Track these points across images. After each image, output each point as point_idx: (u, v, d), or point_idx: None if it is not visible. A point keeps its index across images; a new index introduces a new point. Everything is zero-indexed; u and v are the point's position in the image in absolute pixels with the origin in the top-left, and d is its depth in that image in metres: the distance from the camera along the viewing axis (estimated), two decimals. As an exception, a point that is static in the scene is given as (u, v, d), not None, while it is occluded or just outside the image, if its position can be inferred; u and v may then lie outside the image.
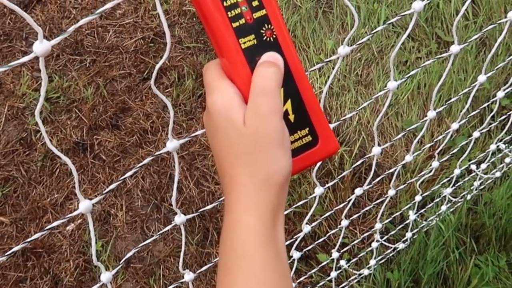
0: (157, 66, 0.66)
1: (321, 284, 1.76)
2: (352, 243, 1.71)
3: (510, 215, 1.84)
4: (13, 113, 2.23)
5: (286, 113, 0.64)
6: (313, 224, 1.27)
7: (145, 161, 0.78)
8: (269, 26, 0.62)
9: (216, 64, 0.62)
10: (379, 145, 1.13)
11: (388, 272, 1.79)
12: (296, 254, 1.32)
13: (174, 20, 2.47)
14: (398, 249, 1.86)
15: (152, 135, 2.18)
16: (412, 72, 1.02)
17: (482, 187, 2.00)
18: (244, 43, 0.61)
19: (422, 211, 1.85)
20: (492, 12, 2.46)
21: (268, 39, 0.62)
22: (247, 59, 0.61)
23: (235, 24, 0.60)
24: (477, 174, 1.91)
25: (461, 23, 2.42)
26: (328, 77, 2.29)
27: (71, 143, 2.15)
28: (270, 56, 0.61)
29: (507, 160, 1.96)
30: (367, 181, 1.21)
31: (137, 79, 2.30)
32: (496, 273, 1.78)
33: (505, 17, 1.10)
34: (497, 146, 1.99)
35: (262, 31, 0.61)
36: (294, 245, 1.28)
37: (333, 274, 1.61)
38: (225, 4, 0.59)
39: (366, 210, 2.03)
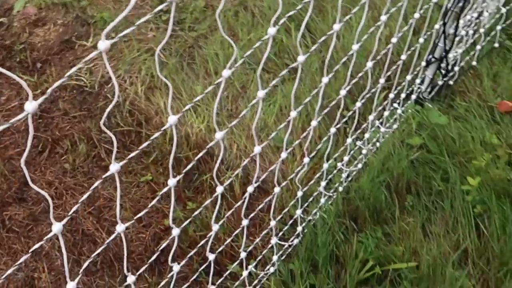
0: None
1: None
2: (255, 243, 1.91)
3: (375, 194, 2.13)
4: None
5: None
6: (221, 248, 1.45)
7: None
8: None
9: None
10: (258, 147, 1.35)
11: (290, 264, 2.00)
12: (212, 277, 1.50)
13: (56, 95, 2.60)
14: (294, 244, 2.08)
15: (58, 200, 2.27)
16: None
17: (349, 178, 2.27)
18: None
19: (305, 206, 2.08)
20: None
21: None
22: None
23: None
24: (342, 168, 2.18)
25: (304, 51, 2.73)
26: (204, 117, 2.50)
27: (-17, 223, 2.20)
28: None
29: (363, 151, 2.25)
30: (254, 181, 1.42)
31: (33, 153, 2.40)
32: (376, 243, 2.04)
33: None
34: (354, 142, 2.29)
35: None
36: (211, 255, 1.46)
37: (245, 273, 1.80)
38: None
39: (262, 219, 2.24)
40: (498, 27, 2.68)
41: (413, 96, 2.51)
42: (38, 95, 2.60)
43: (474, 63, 2.67)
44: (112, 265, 2.10)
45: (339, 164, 2.25)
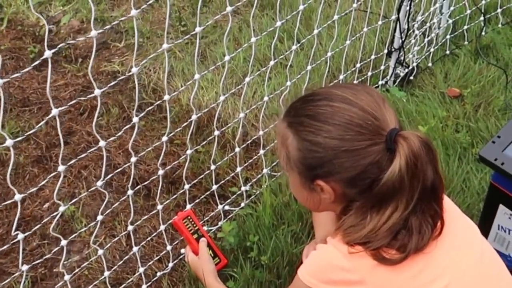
0: None
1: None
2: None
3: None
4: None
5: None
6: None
7: None
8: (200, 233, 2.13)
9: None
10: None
11: (279, 179, 2.51)
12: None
13: (95, 78, 3.18)
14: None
15: (95, 144, 2.79)
16: None
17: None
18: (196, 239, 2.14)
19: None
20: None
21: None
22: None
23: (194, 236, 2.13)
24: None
25: (296, 53, 3.35)
26: (213, 93, 3.07)
27: None
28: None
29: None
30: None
31: (76, 114, 2.95)
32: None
33: None
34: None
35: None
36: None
37: (243, 188, 2.30)
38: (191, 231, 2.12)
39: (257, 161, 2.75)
40: (448, 37, 3.33)
41: (380, 82, 3.11)
42: (80, 77, 3.20)
43: (430, 64, 3.29)
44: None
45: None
